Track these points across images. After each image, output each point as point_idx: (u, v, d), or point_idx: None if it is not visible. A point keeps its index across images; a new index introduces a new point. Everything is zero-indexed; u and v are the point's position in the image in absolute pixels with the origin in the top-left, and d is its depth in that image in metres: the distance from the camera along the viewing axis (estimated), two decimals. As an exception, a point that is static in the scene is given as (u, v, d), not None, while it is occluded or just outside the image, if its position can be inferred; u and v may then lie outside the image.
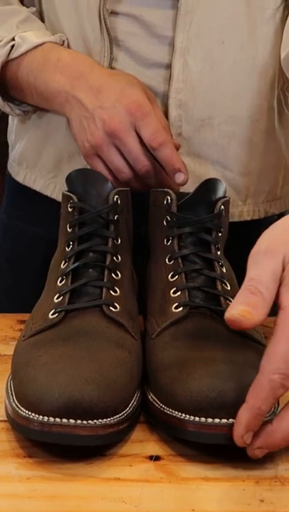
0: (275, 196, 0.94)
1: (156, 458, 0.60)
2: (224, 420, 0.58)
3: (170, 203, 0.73)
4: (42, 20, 0.91)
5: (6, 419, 0.63)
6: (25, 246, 0.98)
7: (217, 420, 0.58)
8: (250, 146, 0.89)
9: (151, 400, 0.64)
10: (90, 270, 0.70)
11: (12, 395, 0.62)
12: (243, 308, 0.56)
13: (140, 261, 0.78)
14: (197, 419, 0.58)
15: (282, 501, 0.55)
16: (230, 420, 0.58)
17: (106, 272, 0.70)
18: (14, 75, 0.86)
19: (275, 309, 0.58)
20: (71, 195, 0.73)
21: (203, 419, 0.58)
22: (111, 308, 0.68)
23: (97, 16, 0.85)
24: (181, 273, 0.71)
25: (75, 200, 0.72)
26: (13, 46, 0.84)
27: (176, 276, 0.71)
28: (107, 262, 0.70)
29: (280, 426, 0.57)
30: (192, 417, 0.59)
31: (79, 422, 0.57)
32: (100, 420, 0.58)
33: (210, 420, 0.58)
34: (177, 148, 0.82)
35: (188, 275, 0.71)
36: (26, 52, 0.84)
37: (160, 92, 0.86)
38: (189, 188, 0.77)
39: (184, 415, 0.59)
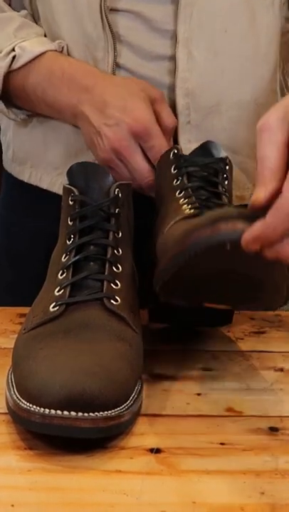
0: None
1: (156, 450, 0.60)
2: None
3: (177, 152, 0.76)
4: (35, 21, 0.91)
5: (6, 411, 0.63)
6: (26, 241, 0.98)
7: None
8: None
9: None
10: (91, 263, 0.70)
11: (13, 387, 0.62)
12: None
13: (141, 254, 0.78)
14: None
15: (282, 494, 0.55)
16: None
17: (107, 265, 0.70)
18: (20, 86, 0.87)
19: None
20: (72, 188, 0.73)
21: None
22: (112, 301, 0.68)
23: (98, 13, 0.84)
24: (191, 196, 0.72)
25: (76, 193, 0.72)
26: (14, 57, 0.85)
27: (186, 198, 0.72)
28: (108, 255, 0.70)
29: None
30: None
31: (80, 414, 0.57)
32: (100, 413, 0.58)
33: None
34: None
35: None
36: (29, 62, 0.85)
37: (166, 83, 0.87)
38: None
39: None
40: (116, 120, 0.80)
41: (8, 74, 0.86)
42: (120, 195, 0.73)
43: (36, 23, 0.91)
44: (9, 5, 0.92)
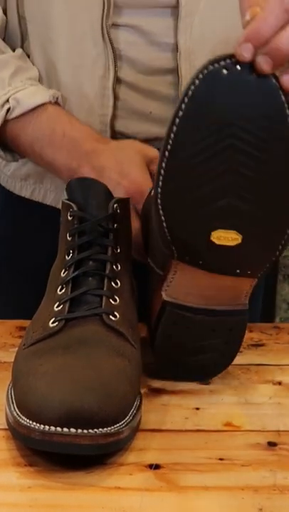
0: None
1: (156, 466, 0.60)
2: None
3: None
4: (26, 44, 0.90)
5: (6, 427, 0.63)
6: (27, 254, 0.98)
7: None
8: None
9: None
10: (90, 279, 0.70)
11: (13, 403, 0.62)
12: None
13: (140, 269, 0.78)
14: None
15: (281, 510, 0.56)
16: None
17: (106, 281, 0.70)
18: (15, 135, 0.87)
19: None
20: (71, 203, 0.73)
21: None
22: (111, 317, 0.68)
23: (99, 32, 0.85)
24: None
25: (75, 208, 0.73)
26: (8, 109, 0.85)
27: None
28: (107, 271, 0.71)
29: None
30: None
31: (79, 431, 0.57)
32: (100, 429, 0.58)
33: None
34: None
35: None
36: (25, 113, 0.85)
37: (168, 95, 0.88)
38: None
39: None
40: (114, 184, 0.80)
41: (4, 123, 0.86)
42: (119, 210, 0.73)
43: (29, 56, 0.91)
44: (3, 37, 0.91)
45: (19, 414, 0.60)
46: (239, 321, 0.72)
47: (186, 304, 0.70)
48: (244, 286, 0.70)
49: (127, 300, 0.71)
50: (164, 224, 0.66)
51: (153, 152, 0.85)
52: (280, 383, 0.75)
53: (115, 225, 0.73)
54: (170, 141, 0.62)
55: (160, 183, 0.64)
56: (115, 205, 0.73)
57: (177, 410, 0.69)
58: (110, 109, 0.88)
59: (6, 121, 0.86)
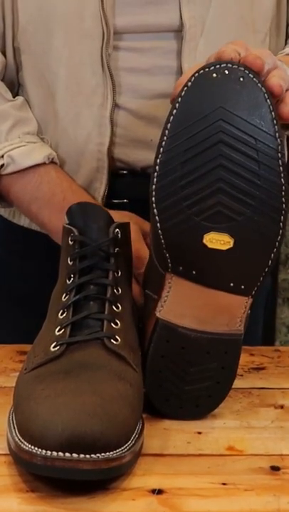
0: None
1: (158, 491, 0.60)
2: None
3: None
4: (20, 74, 0.91)
5: (7, 452, 0.63)
6: (26, 281, 0.98)
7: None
8: None
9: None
10: (91, 303, 0.70)
11: (14, 428, 0.62)
12: None
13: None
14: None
15: (285, 535, 0.55)
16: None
17: (107, 305, 0.70)
18: (11, 191, 0.88)
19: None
20: (72, 228, 0.73)
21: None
22: (112, 340, 0.68)
23: (98, 61, 0.85)
24: None
25: (76, 233, 0.73)
26: (2, 165, 0.86)
27: None
28: (108, 295, 0.71)
29: None
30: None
31: (82, 456, 0.57)
32: (102, 454, 0.58)
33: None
34: None
35: None
36: (25, 171, 0.86)
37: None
38: None
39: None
40: None
41: None
42: (119, 235, 0.74)
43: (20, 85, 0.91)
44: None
45: (21, 439, 0.60)
46: (234, 343, 0.71)
47: (181, 325, 0.70)
48: (239, 306, 0.69)
49: (128, 324, 0.71)
50: (159, 225, 0.67)
51: (147, 227, 0.86)
52: (282, 407, 0.75)
53: (116, 249, 0.73)
54: (165, 138, 0.66)
55: (154, 179, 0.66)
56: (116, 230, 0.73)
57: (179, 435, 0.69)
58: (107, 138, 0.88)
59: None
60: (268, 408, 0.74)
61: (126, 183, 0.91)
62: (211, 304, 0.69)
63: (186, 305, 0.69)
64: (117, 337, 0.69)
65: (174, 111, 0.66)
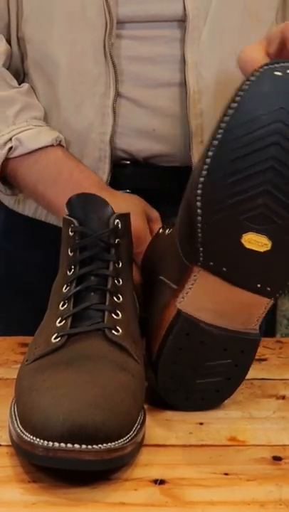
0: None
1: (160, 482, 0.60)
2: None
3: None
4: (25, 63, 0.91)
5: (9, 443, 0.63)
6: (28, 272, 0.98)
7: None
8: None
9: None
10: (92, 294, 0.70)
11: (16, 420, 0.62)
12: None
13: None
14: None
15: (287, 524, 0.55)
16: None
17: (108, 296, 0.70)
18: (17, 174, 0.88)
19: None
20: (72, 219, 0.73)
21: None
22: (113, 331, 0.68)
23: (101, 50, 0.85)
24: None
25: (76, 224, 0.73)
26: (11, 147, 0.86)
27: None
28: (109, 286, 0.71)
29: None
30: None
31: (84, 446, 0.57)
32: (104, 444, 0.58)
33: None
34: None
35: None
36: (31, 153, 0.86)
37: (173, 111, 0.88)
38: None
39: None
40: None
41: (5, 160, 0.87)
42: (120, 225, 0.73)
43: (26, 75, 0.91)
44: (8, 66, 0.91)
45: (23, 430, 0.60)
46: (252, 343, 0.70)
47: (199, 318, 0.69)
48: (259, 306, 0.69)
49: (129, 314, 0.71)
50: (199, 218, 0.65)
51: (154, 213, 0.87)
52: (283, 397, 0.75)
53: (116, 240, 0.73)
54: (220, 131, 0.62)
55: (204, 172, 0.63)
56: (116, 220, 0.73)
57: (181, 425, 0.69)
58: (110, 127, 0.87)
59: (7, 158, 0.87)
60: (270, 399, 0.74)
61: (128, 173, 0.90)
62: (232, 301, 0.68)
63: (207, 299, 0.69)
64: (118, 328, 0.69)
65: (233, 104, 0.62)
